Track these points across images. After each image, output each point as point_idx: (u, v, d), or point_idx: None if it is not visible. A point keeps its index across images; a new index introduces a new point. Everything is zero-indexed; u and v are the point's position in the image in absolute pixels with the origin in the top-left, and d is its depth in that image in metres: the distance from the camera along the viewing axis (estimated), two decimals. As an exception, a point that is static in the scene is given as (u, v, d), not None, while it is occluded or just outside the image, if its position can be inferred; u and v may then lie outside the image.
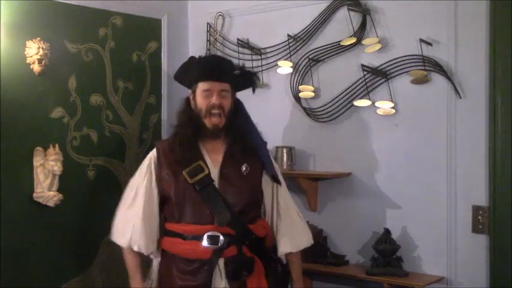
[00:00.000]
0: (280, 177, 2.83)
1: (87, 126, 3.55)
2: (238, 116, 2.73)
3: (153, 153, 2.76)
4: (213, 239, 2.56)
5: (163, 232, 2.73)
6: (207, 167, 2.64)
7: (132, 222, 2.70)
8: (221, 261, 2.57)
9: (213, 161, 2.68)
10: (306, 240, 2.82)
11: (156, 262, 2.79)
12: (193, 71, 2.72)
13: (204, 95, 2.64)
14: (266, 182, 2.78)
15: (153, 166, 2.72)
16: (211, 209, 2.58)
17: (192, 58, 2.84)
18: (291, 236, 2.76)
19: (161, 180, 2.70)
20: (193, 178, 2.60)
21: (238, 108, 2.77)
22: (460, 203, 3.15)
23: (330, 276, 3.47)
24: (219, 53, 3.92)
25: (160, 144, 2.78)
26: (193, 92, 2.71)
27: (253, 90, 2.89)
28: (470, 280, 3.11)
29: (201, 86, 2.66)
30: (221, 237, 2.55)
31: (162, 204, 2.74)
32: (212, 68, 2.70)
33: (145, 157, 2.83)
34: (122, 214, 2.77)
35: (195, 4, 4.15)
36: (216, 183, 2.63)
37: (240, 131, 2.70)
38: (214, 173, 2.66)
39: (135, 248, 2.70)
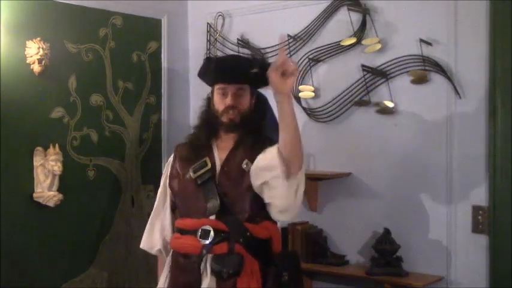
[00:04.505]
0: None
1: (87, 126, 3.55)
2: (255, 112, 2.67)
3: (171, 157, 2.78)
4: (205, 234, 2.50)
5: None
6: (214, 163, 2.61)
7: (148, 225, 2.80)
8: (210, 257, 2.49)
9: (220, 158, 2.64)
10: None
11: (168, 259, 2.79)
12: (210, 73, 2.70)
13: (220, 95, 2.63)
14: None
15: (169, 168, 2.75)
16: (207, 202, 2.54)
17: (207, 59, 2.80)
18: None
19: (171, 179, 2.71)
20: (196, 173, 2.59)
21: (258, 103, 2.72)
22: (460, 203, 3.15)
23: (330, 276, 3.47)
24: (219, 53, 3.92)
25: (178, 147, 2.77)
26: (212, 91, 2.70)
27: None
28: (470, 280, 3.11)
29: (217, 87, 2.65)
30: (211, 232, 2.49)
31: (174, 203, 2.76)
32: (226, 69, 2.65)
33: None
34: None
35: (195, 4, 4.15)
36: (217, 178, 2.59)
37: (252, 126, 2.63)
38: (219, 169, 2.62)
39: (149, 250, 2.80)
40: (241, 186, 2.57)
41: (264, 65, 2.63)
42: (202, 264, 2.51)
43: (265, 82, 2.63)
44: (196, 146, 2.66)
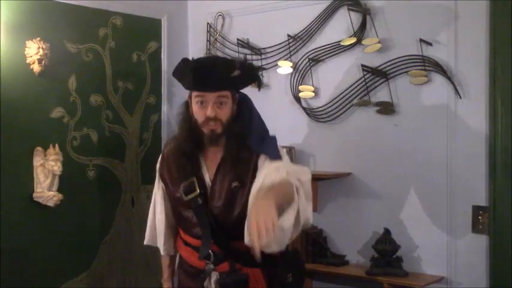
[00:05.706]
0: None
1: (87, 126, 3.55)
2: (238, 119, 2.48)
3: (160, 158, 2.69)
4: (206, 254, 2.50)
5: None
6: (203, 184, 2.51)
7: (150, 224, 2.77)
8: (215, 274, 2.50)
9: (210, 175, 2.52)
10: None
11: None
12: (187, 77, 2.45)
13: (199, 105, 2.41)
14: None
15: (160, 170, 2.67)
16: (200, 230, 2.50)
17: (185, 61, 2.50)
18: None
19: (166, 187, 2.66)
20: (187, 196, 2.50)
21: (241, 107, 2.51)
22: (460, 203, 3.15)
23: (330, 276, 3.47)
24: (219, 53, 3.92)
25: (166, 149, 2.66)
26: (190, 97, 2.50)
27: (259, 87, 2.64)
28: (470, 280, 3.11)
29: (195, 95, 2.43)
30: (212, 255, 2.47)
31: None
32: (204, 77, 2.39)
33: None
34: (148, 216, 2.80)
35: (195, 4, 4.15)
36: (209, 203, 2.50)
37: (238, 136, 2.44)
38: (209, 190, 2.52)
39: (161, 251, 2.77)
40: (233, 208, 2.49)
41: (244, 66, 2.47)
42: (206, 281, 2.52)
43: (246, 83, 2.54)
44: (183, 161, 2.52)
